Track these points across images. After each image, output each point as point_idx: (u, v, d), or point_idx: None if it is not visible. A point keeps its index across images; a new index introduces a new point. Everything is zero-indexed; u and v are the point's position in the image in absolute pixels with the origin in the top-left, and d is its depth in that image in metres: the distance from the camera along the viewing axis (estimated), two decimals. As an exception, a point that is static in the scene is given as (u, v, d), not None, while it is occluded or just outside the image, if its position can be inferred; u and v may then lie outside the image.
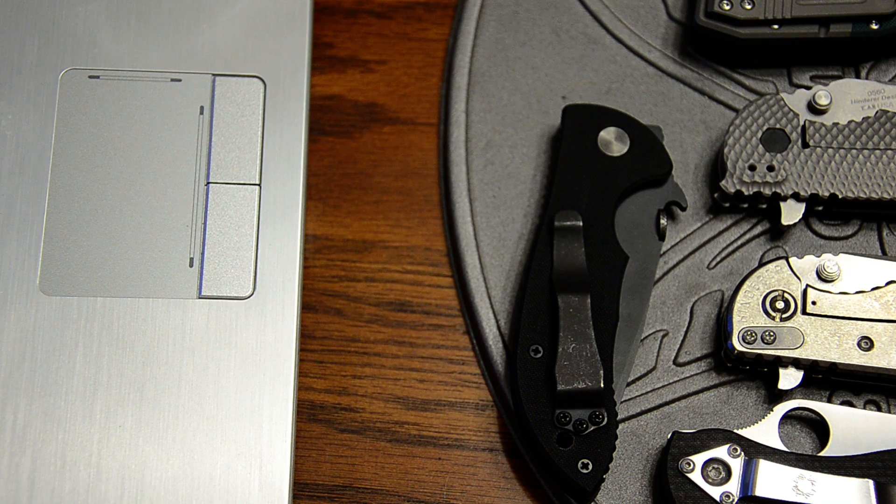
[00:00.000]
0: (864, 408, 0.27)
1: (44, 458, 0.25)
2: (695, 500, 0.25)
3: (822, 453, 0.26)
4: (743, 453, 0.25)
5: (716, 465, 0.25)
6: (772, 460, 0.25)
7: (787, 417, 0.26)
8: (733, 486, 0.25)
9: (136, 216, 0.28)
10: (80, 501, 0.25)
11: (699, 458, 0.25)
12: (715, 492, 0.25)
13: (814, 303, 0.26)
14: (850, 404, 0.27)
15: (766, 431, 0.26)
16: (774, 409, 0.26)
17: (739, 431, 0.26)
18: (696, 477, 0.25)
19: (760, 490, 0.24)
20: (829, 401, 0.27)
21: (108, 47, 0.29)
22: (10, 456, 0.25)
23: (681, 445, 0.25)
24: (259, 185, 0.28)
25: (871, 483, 0.25)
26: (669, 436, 0.26)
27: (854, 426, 0.26)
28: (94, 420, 0.25)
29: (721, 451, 0.25)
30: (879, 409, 0.27)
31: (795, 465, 0.25)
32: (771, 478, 0.25)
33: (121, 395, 0.25)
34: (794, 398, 0.27)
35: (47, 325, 0.26)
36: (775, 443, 0.26)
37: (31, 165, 0.28)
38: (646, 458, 0.27)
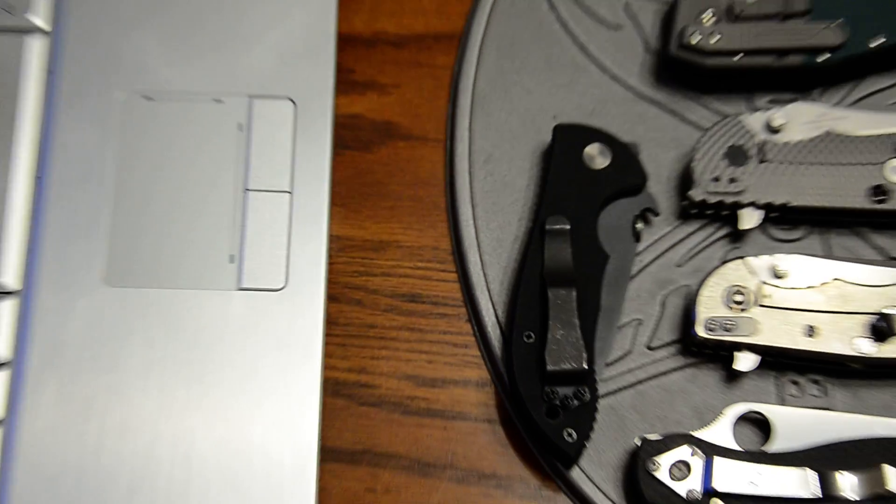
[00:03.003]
0: (807, 388, 0.28)
1: (107, 426, 0.26)
2: (663, 496, 0.25)
3: (770, 449, 0.26)
4: (701, 453, 0.26)
5: (679, 465, 0.26)
6: (726, 458, 0.25)
7: (739, 420, 0.26)
8: (696, 483, 0.25)
9: (185, 219, 0.28)
10: (139, 463, 0.26)
11: (665, 460, 0.26)
12: (680, 488, 0.25)
13: (767, 296, 0.26)
14: (797, 383, 0.28)
15: (720, 433, 0.26)
16: (726, 412, 0.26)
17: (697, 434, 0.26)
18: (662, 476, 0.25)
19: (718, 485, 0.25)
20: (778, 381, 0.28)
21: (160, 73, 0.30)
22: (79, 424, 0.26)
23: (648, 449, 0.26)
24: (290, 192, 0.28)
25: (813, 473, 0.25)
26: (639, 442, 0.26)
27: (795, 424, 0.26)
28: (150, 394, 0.26)
29: (683, 453, 0.26)
30: (819, 385, 0.28)
31: (747, 461, 0.25)
32: (727, 474, 0.25)
33: (172, 373, 0.26)
34: (744, 398, 0.27)
35: (110, 312, 0.27)
36: (729, 442, 0.26)
37: (98, 175, 0.29)
38: (622, 429, 0.27)
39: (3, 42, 0.29)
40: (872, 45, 0.29)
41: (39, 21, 0.30)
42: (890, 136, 0.28)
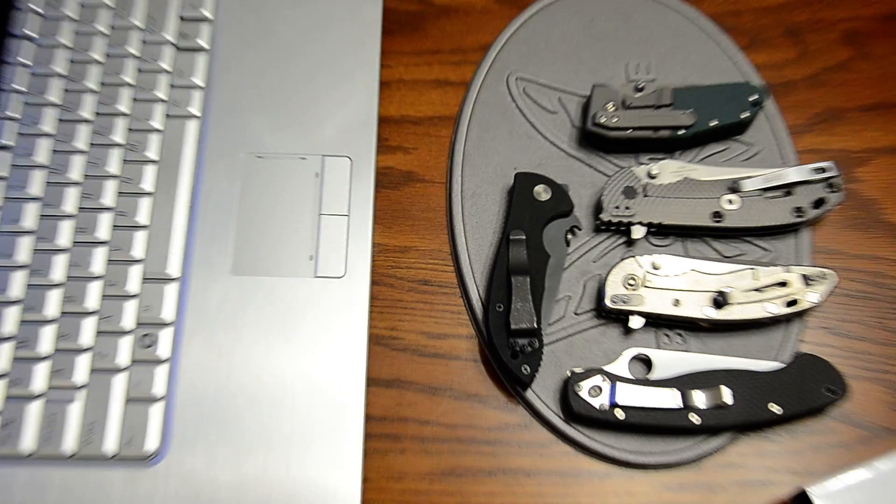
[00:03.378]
0: (674, 338, 0.30)
1: (233, 363, 0.28)
2: (585, 407, 0.28)
3: (651, 377, 0.28)
4: (608, 379, 0.28)
5: (594, 388, 0.28)
6: (624, 383, 0.28)
7: (632, 359, 0.29)
8: (605, 399, 0.28)
9: (282, 232, 0.30)
10: (252, 387, 0.28)
11: (585, 384, 0.28)
12: (595, 402, 0.28)
13: (649, 281, 0.29)
14: (668, 335, 0.30)
15: (620, 367, 0.29)
16: (623, 354, 0.29)
17: (606, 368, 0.28)
18: (584, 394, 0.28)
19: (619, 400, 0.28)
20: (656, 334, 0.30)
21: (267, 141, 0.32)
22: (215, 362, 0.29)
23: (575, 378, 0.28)
24: (348, 215, 0.31)
25: (678, 392, 0.28)
26: (569, 373, 0.28)
27: (666, 361, 0.29)
28: (259, 343, 0.29)
29: (597, 380, 0.28)
30: (681, 336, 0.30)
31: (637, 385, 0.28)
32: (624, 393, 0.28)
33: (272, 330, 0.29)
34: (635, 345, 0.29)
35: (234, 291, 0.30)
36: (625, 373, 0.28)
37: (227, 205, 0.31)
38: (558, 366, 0.30)
39: (173, 124, 0.32)
40: (711, 125, 0.32)
41: (194, 111, 0.32)
42: (723, 180, 0.31)
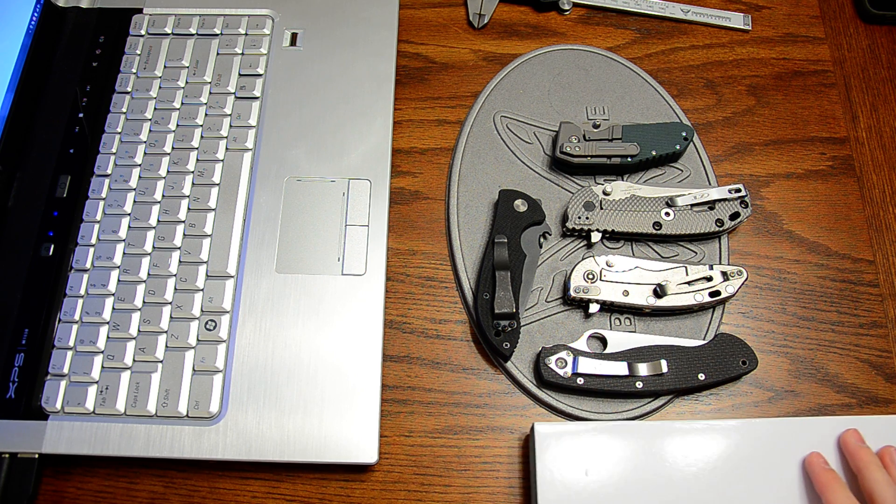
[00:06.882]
0: (623, 321, 0.29)
1: (277, 343, 0.27)
2: (553, 376, 0.27)
3: (605, 352, 0.28)
4: (572, 354, 0.27)
5: (560, 360, 0.27)
6: (584, 357, 0.27)
7: (590, 337, 0.28)
8: (570, 369, 0.27)
9: (316, 239, 0.29)
10: (291, 361, 0.27)
11: (553, 357, 0.27)
12: (561, 372, 0.27)
13: (604, 276, 0.29)
14: (619, 319, 0.29)
15: (581, 344, 0.28)
16: (584, 333, 0.28)
17: (570, 344, 0.27)
18: (553, 366, 0.27)
19: (581, 369, 0.27)
20: (610, 318, 0.29)
21: (304, 168, 0.31)
22: (262, 342, 0.27)
23: (545, 352, 0.27)
24: (367, 226, 0.30)
25: (625, 363, 0.27)
26: (539, 349, 0.27)
27: (618, 339, 0.28)
28: (297, 327, 0.27)
29: (563, 354, 0.27)
30: (629, 320, 0.29)
31: (594, 358, 0.27)
32: (584, 364, 0.27)
33: (307, 317, 0.28)
34: (593, 327, 0.28)
35: (279, 287, 0.28)
36: (585, 349, 0.28)
37: (273, 218, 0.30)
38: (532, 342, 0.29)
39: (232, 155, 0.31)
40: (652, 154, 0.31)
41: (249, 144, 0.31)
42: (662, 197, 0.30)
